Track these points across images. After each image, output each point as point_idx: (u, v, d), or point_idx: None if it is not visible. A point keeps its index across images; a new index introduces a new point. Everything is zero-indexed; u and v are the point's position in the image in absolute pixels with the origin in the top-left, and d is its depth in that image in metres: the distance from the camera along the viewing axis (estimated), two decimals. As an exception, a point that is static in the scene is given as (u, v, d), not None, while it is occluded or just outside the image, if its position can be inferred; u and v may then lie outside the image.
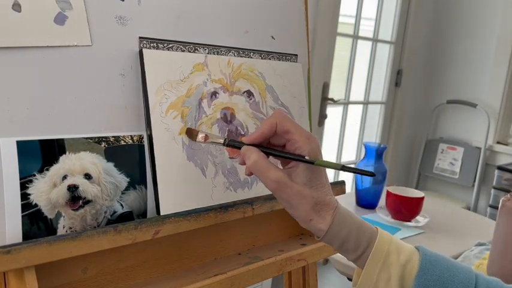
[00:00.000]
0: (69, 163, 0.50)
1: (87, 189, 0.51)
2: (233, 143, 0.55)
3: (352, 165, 2.13)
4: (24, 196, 0.47)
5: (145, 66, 0.55)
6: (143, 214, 0.56)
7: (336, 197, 0.74)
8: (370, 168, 1.56)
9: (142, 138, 0.56)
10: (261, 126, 0.53)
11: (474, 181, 2.69)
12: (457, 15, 2.78)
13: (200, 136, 0.57)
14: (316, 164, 0.51)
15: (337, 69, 2.36)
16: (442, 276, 0.51)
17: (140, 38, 0.56)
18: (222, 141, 0.56)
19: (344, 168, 0.51)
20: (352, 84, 2.55)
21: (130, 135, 0.55)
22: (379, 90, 2.75)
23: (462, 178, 2.73)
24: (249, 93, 0.66)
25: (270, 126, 0.53)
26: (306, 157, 0.51)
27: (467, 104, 2.71)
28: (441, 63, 2.87)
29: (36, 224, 0.48)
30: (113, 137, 0.54)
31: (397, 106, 2.79)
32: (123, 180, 0.54)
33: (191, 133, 0.58)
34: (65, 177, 0.50)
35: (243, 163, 0.54)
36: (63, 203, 0.50)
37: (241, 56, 0.66)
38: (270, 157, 0.53)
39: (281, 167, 0.54)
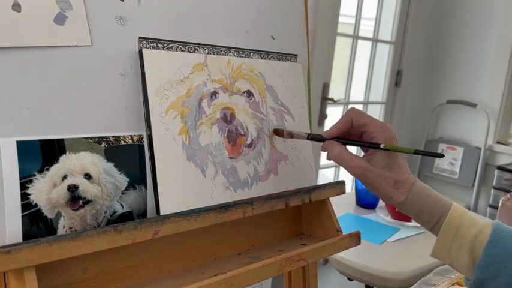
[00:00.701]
0: (69, 163, 0.50)
1: (87, 189, 0.51)
2: (315, 137, 0.65)
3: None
4: (24, 196, 0.47)
5: (145, 66, 0.55)
6: (143, 214, 0.56)
7: (336, 197, 0.75)
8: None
9: (142, 138, 0.56)
10: (338, 122, 0.62)
11: (474, 181, 2.69)
12: (457, 15, 2.78)
13: (286, 133, 0.68)
14: (390, 150, 0.58)
15: (337, 69, 2.36)
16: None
17: (140, 38, 0.56)
18: (305, 136, 0.65)
19: (416, 152, 0.57)
20: (352, 84, 2.55)
21: (131, 135, 0.55)
22: (379, 90, 2.75)
23: (462, 178, 2.73)
24: (249, 93, 0.66)
25: (345, 121, 0.61)
26: (382, 145, 0.58)
27: (467, 104, 2.71)
28: (441, 63, 2.87)
29: (36, 224, 0.48)
30: (113, 137, 0.54)
31: (397, 106, 2.79)
32: (123, 180, 0.54)
33: (278, 132, 0.68)
34: (65, 177, 0.50)
35: (324, 150, 0.63)
36: (63, 203, 0.50)
37: (241, 56, 0.66)
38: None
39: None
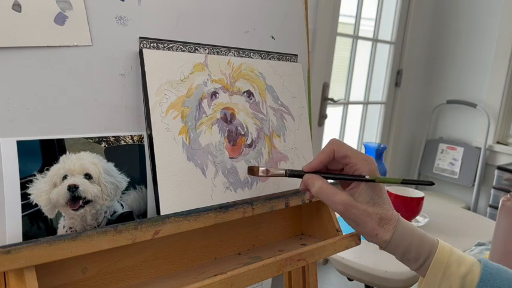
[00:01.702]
0: (69, 163, 0.50)
1: (87, 189, 0.51)
2: (294, 173, 0.59)
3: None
4: (24, 196, 0.47)
5: (145, 66, 0.55)
6: (143, 214, 0.56)
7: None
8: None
9: (143, 138, 0.56)
10: (319, 155, 0.57)
11: (474, 181, 2.69)
12: (457, 16, 2.78)
13: (261, 170, 0.62)
14: (377, 181, 0.54)
15: (337, 69, 2.36)
16: (503, 287, 0.53)
17: (140, 38, 0.56)
18: (283, 172, 0.60)
19: (404, 181, 0.55)
20: (352, 84, 2.55)
21: (131, 135, 0.55)
22: (379, 90, 2.75)
23: (462, 178, 2.73)
24: (249, 93, 0.66)
25: (327, 153, 0.57)
26: (366, 176, 0.54)
27: (467, 104, 2.71)
28: (441, 63, 2.87)
29: (36, 224, 0.48)
30: (113, 137, 0.54)
31: (397, 106, 2.79)
32: (123, 180, 0.54)
33: (252, 170, 0.63)
34: (65, 177, 0.50)
35: (305, 189, 0.58)
36: (64, 203, 0.50)
37: (241, 56, 0.66)
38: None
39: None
